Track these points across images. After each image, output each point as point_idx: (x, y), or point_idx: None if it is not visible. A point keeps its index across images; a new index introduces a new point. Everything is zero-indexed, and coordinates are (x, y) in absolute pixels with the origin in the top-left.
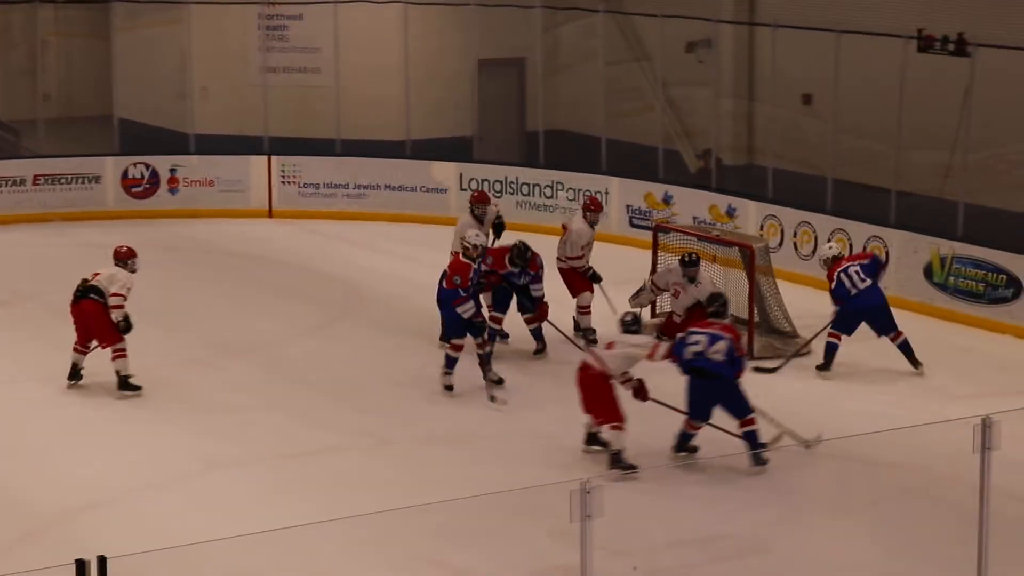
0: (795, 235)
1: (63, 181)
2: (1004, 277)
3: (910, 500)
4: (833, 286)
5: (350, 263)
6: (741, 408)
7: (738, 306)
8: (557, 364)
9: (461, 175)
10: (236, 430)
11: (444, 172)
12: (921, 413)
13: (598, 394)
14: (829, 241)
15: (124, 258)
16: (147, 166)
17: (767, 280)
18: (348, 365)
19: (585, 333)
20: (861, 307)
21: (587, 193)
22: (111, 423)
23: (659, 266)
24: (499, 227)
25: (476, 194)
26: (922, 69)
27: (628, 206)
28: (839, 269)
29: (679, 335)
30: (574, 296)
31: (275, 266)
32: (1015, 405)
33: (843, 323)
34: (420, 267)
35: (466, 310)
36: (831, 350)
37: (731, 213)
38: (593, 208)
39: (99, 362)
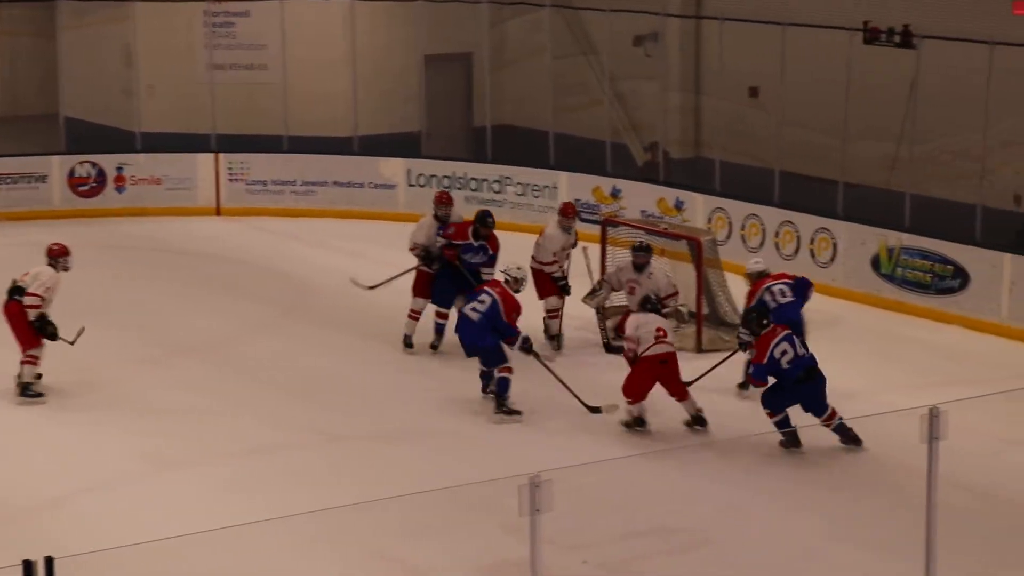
0: (743, 228)
1: (8, 180)
2: (951, 268)
3: (859, 490)
4: (752, 304)
5: (299, 260)
6: None
7: (687, 299)
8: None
9: (409, 171)
10: (186, 429)
11: (392, 168)
12: (869, 404)
13: None
14: (756, 257)
15: (55, 256)
16: (94, 165)
17: (715, 273)
18: (298, 362)
19: (554, 338)
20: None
21: (565, 200)
22: (59, 423)
23: (608, 260)
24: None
25: (440, 195)
26: (868, 61)
27: (576, 200)
28: (764, 286)
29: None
30: (541, 299)
31: (224, 264)
32: (962, 395)
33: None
34: (369, 263)
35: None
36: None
37: (679, 206)
38: (565, 213)
39: (45, 363)
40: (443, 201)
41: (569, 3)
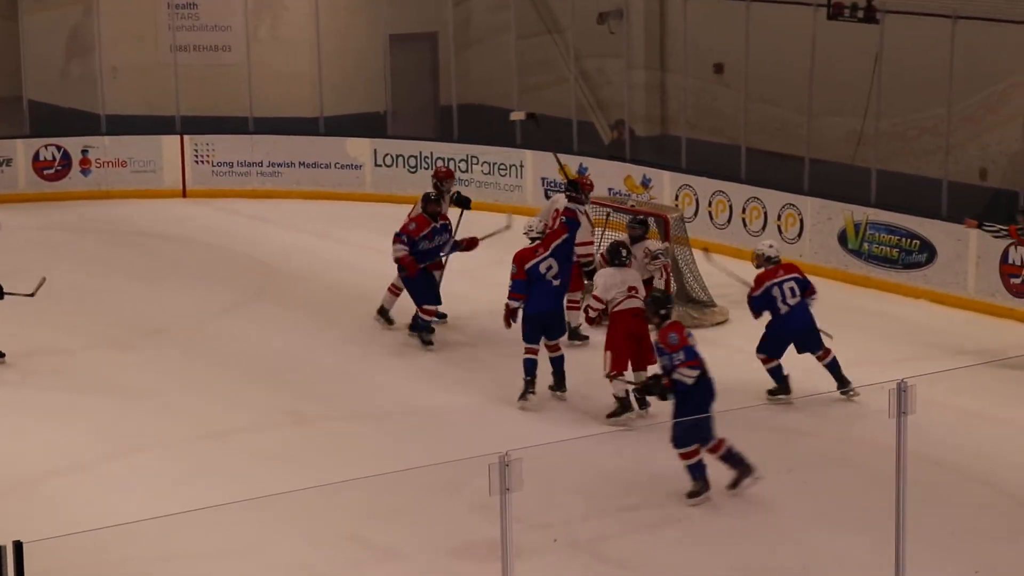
0: (710, 204)
1: None
2: (917, 242)
3: (827, 466)
4: (758, 293)
5: (266, 241)
6: None
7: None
8: (476, 339)
9: (375, 151)
10: (153, 412)
11: (358, 148)
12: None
13: None
14: (769, 241)
15: None
16: (58, 148)
17: (683, 250)
18: (265, 344)
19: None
20: (792, 329)
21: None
22: (26, 405)
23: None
24: (463, 201)
25: (443, 170)
26: (832, 37)
27: (543, 179)
28: (773, 281)
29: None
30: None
31: (190, 246)
32: (930, 369)
33: (772, 346)
34: (336, 244)
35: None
36: (777, 373)
37: (646, 184)
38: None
39: (7, 342)
40: (445, 176)
41: None
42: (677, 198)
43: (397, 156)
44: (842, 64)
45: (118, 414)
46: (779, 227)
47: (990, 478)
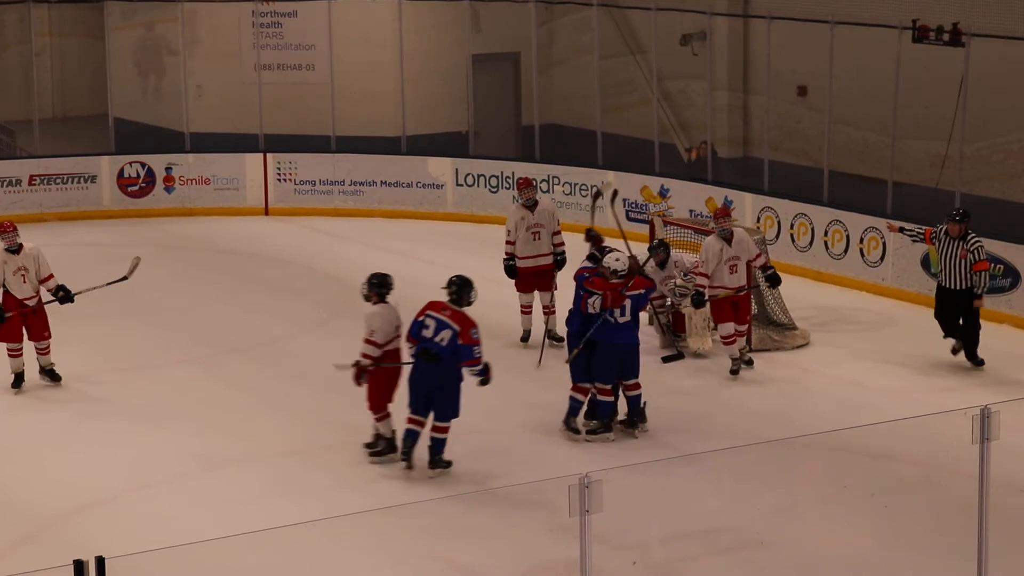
0: (791, 227)
1: (59, 181)
2: (1002, 267)
3: (909, 492)
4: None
5: (347, 260)
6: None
7: None
8: (554, 358)
9: (457, 170)
10: (234, 428)
11: (440, 168)
12: (920, 404)
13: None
14: (617, 255)
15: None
16: (143, 165)
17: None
18: (346, 362)
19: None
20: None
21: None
22: (106, 423)
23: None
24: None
25: (521, 181)
26: (917, 59)
27: (625, 200)
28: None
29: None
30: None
31: (272, 264)
32: (1014, 395)
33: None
34: (416, 263)
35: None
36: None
37: (728, 206)
38: (719, 216)
39: (91, 359)
40: (524, 185)
41: (616, 2)
42: (759, 220)
43: (479, 176)
44: (927, 87)
45: (200, 430)
46: (861, 250)
47: None
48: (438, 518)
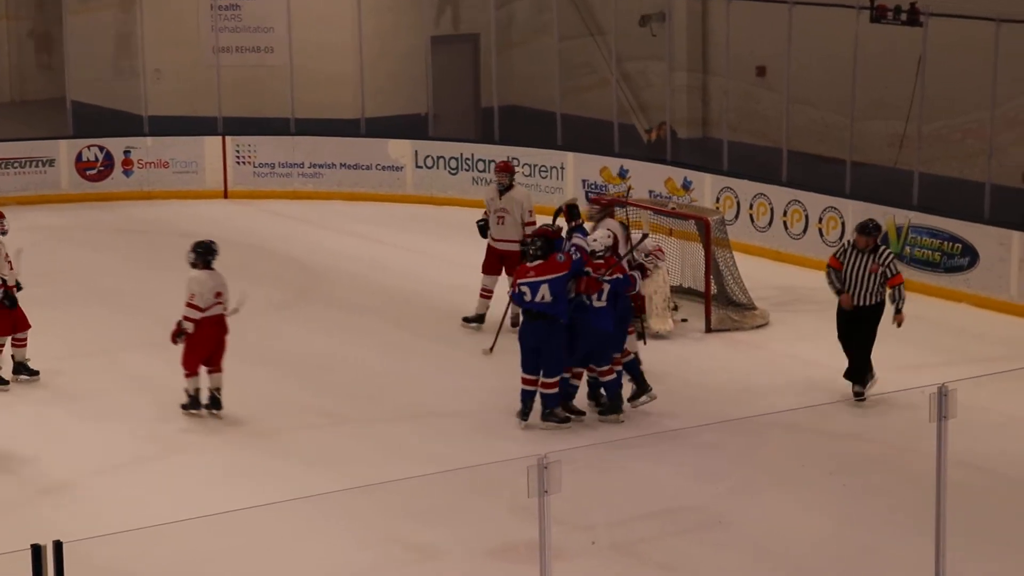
0: (751, 207)
1: (16, 165)
2: (959, 246)
3: (868, 470)
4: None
5: (307, 243)
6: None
7: (695, 278)
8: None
9: (417, 152)
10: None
11: (400, 150)
12: (879, 383)
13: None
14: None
15: None
16: (101, 148)
17: (723, 252)
18: (306, 345)
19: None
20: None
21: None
22: (66, 408)
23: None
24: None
25: (499, 164)
26: (875, 39)
27: (584, 180)
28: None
29: None
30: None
31: (231, 247)
32: (971, 373)
33: None
34: (376, 245)
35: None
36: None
37: (687, 186)
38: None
39: (51, 344)
40: (503, 168)
41: None
42: (718, 201)
43: (438, 158)
44: (885, 67)
45: (159, 415)
46: (820, 230)
47: None
48: (398, 499)
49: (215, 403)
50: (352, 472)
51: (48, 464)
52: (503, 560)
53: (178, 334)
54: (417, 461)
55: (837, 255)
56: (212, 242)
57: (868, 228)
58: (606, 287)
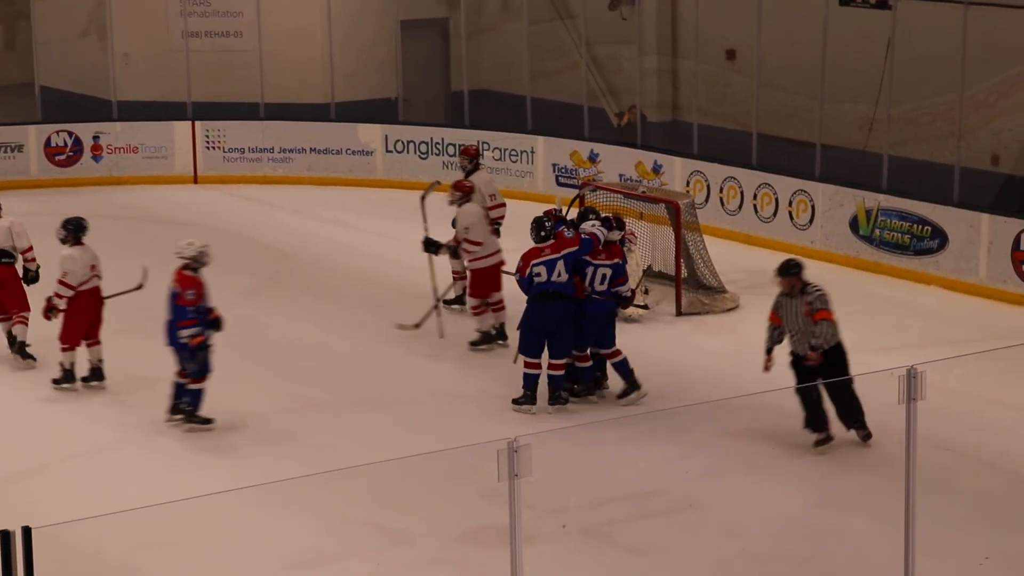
0: (721, 191)
1: None
2: (929, 228)
3: (838, 452)
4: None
5: (277, 227)
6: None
7: (665, 262)
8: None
9: (387, 137)
10: (164, 398)
11: (370, 134)
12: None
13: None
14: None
15: None
16: (70, 134)
17: (693, 236)
18: (277, 330)
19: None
20: None
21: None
22: (31, 393)
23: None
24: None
25: (462, 148)
26: (845, 23)
27: (554, 165)
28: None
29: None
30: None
31: (202, 232)
32: (941, 356)
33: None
34: (347, 230)
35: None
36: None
37: (657, 170)
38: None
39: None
40: (466, 152)
41: None
42: (688, 184)
43: (408, 142)
44: (854, 50)
45: (129, 400)
46: (790, 213)
47: (1001, 464)
48: (368, 484)
49: (97, 375)
50: (321, 457)
51: (14, 450)
52: (474, 545)
53: (49, 310)
54: (388, 446)
55: (774, 308)
56: (82, 218)
57: (784, 269)
58: (607, 272)
